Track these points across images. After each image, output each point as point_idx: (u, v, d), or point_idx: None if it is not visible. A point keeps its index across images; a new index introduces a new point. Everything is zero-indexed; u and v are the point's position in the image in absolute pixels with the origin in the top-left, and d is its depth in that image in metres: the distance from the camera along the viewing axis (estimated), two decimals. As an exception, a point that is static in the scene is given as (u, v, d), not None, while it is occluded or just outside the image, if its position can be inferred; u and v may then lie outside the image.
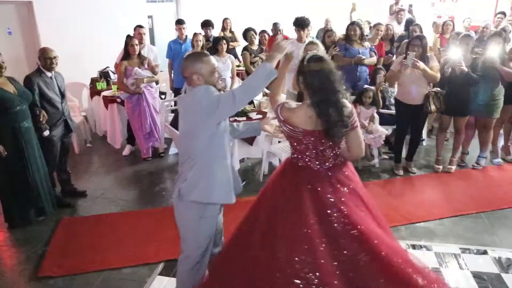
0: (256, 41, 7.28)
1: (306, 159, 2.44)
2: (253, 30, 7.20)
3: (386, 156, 5.68)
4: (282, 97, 2.57)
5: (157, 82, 5.89)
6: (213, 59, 2.46)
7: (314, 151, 2.41)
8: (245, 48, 7.04)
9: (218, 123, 2.40)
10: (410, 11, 9.68)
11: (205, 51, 2.66)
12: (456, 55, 4.71)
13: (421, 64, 4.55)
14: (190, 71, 2.40)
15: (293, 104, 2.42)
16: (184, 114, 2.50)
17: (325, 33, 6.38)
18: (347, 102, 2.36)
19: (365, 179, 5.07)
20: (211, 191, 2.46)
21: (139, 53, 5.42)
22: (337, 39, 6.06)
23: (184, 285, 2.71)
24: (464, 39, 4.92)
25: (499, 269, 3.33)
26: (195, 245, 2.59)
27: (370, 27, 7.80)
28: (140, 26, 6.21)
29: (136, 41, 5.36)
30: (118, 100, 5.90)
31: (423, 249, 3.61)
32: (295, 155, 2.49)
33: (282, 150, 4.83)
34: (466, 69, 4.64)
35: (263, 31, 7.43)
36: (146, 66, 5.44)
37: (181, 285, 2.74)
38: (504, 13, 8.40)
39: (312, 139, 2.37)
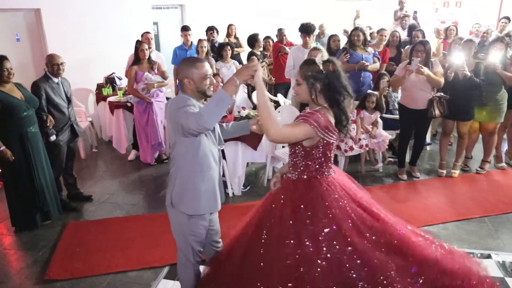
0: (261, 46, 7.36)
1: (329, 167, 2.42)
2: (258, 35, 7.27)
3: (391, 159, 5.70)
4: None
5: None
6: (207, 65, 2.46)
7: (333, 155, 2.43)
8: (252, 53, 7.08)
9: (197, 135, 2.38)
10: (415, 18, 9.72)
11: (202, 58, 2.67)
12: (459, 59, 4.73)
13: (425, 70, 4.58)
14: (183, 75, 2.42)
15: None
16: (167, 120, 2.54)
17: (330, 38, 6.42)
18: None
19: (369, 183, 5.10)
20: (196, 204, 2.50)
21: (149, 58, 5.47)
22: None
23: (183, 283, 2.78)
24: (466, 44, 4.95)
25: (503, 273, 3.33)
26: (186, 248, 2.63)
27: (371, 33, 7.85)
28: (147, 32, 6.29)
29: (146, 46, 5.41)
30: (129, 104, 5.95)
31: (426, 253, 3.62)
32: (324, 166, 2.40)
33: (286, 154, 4.86)
34: (469, 74, 4.66)
35: (267, 37, 7.50)
36: (156, 71, 5.50)
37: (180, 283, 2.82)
38: (508, 18, 8.41)
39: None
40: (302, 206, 2.29)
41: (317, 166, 2.37)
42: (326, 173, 2.40)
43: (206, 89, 2.45)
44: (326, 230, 2.22)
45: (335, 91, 2.30)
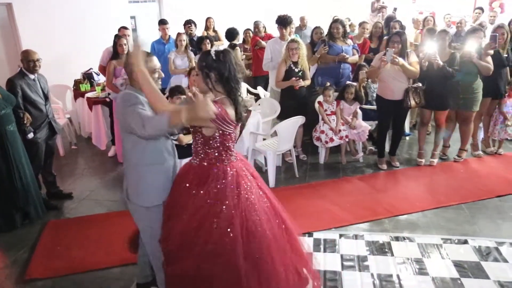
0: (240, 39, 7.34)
1: (229, 155, 2.52)
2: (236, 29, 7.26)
3: (372, 148, 5.78)
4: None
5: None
6: (155, 59, 2.52)
7: (233, 144, 2.53)
8: (234, 45, 7.07)
9: None
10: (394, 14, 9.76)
11: (149, 51, 2.71)
12: (431, 49, 4.80)
13: (400, 60, 4.64)
14: (132, 68, 2.41)
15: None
16: (116, 115, 2.55)
17: (314, 30, 6.44)
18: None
19: (350, 174, 5.16)
20: (146, 196, 2.55)
21: (128, 53, 5.40)
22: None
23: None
24: (440, 34, 5.03)
25: (479, 257, 3.43)
26: (151, 244, 2.69)
27: (349, 25, 7.89)
28: (124, 28, 6.21)
29: (125, 41, 5.34)
30: (107, 99, 5.87)
31: (406, 240, 3.70)
32: (223, 154, 2.49)
33: (267, 147, 4.88)
34: (441, 63, 4.74)
35: (247, 30, 7.48)
36: None
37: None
38: (481, 9, 8.58)
39: (235, 131, 2.49)
40: (201, 191, 2.44)
41: (216, 154, 2.48)
42: (226, 161, 2.50)
43: (155, 82, 2.49)
44: (221, 209, 2.40)
45: (227, 80, 2.39)
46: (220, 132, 2.40)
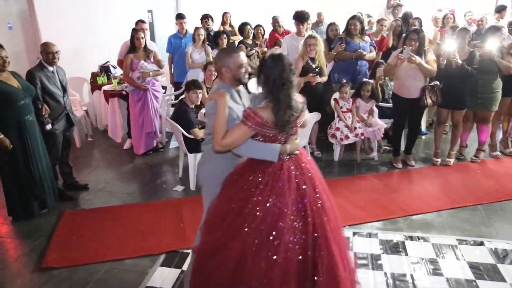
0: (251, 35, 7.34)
1: None
2: (249, 24, 7.24)
3: (387, 147, 5.73)
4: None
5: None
6: (242, 55, 2.61)
7: None
8: (241, 42, 7.08)
9: None
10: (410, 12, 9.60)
11: (236, 47, 2.81)
12: (451, 47, 4.73)
13: (416, 59, 4.57)
14: (220, 64, 2.59)
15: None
16: (208, 109, 2.59)
17: (329, 27, 6.40)
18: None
19: (364, 172, 5.13)
20: (210, 187, 2.62)
21: (145, 46, 5.43)
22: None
23: None
24: (460, 32, 4.95)
25: (495, 259, 3.38)
26: None
27: (368, 21, 7.81)
28: (142, 21, 6.23)
29: (142, 34, 5.36)
30: (124, 92, 5.93)
31: (420, 240, 3.67)
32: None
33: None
34: (460, 61, 4.67)
35: (258, 26, 7.45)
36: (151, 59, 5.47)
37: None
38: (505, 7, 8.40)
39: (284, 134, 2.41)
40: (240, 180, 2.41)
41: None
42: None
43: (241, 77, 2.59)
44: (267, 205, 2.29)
45: (271, 85, 2.32)
46: (263, 134, 2.36)
